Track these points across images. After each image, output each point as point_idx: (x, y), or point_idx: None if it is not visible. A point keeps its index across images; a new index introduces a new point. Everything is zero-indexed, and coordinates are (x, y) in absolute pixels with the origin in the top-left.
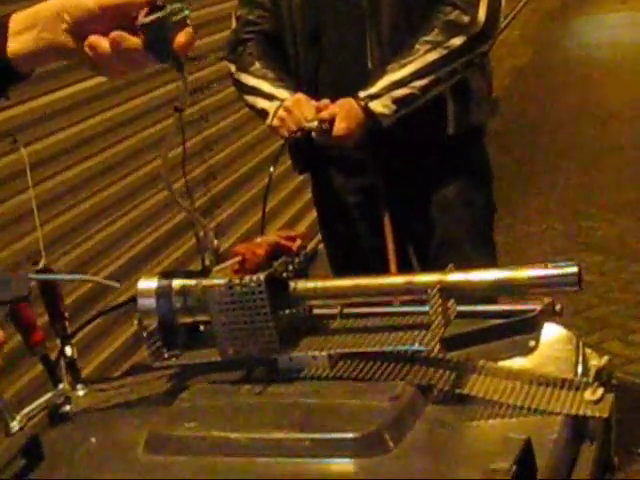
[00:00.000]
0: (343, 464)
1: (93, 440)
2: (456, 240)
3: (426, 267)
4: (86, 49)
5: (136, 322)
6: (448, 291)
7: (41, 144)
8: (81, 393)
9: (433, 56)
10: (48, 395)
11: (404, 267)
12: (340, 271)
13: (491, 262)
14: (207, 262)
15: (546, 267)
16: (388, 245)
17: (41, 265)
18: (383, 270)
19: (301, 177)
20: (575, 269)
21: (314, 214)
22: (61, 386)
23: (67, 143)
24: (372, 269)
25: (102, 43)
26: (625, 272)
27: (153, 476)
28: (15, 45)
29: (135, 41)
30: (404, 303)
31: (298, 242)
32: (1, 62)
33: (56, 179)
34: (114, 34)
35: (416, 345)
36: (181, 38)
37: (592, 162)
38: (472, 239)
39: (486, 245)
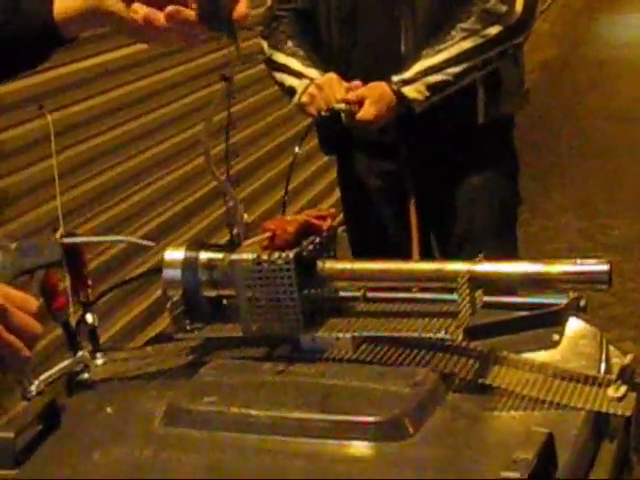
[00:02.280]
0: (362, 447)
1: (110, 410)
2: (479, 230)
3: (447, 255)
4: (138, 19)
5: (160, 292)
6: (477, 281)
7: (67, 111)
8: (100, 362)
9: (468, 44)
10: (67, 362)
11: (425, 253)
12: (360, 254)
13: (513, 254)
14: (235, 235)
15: (576, 263)
16: (412, 231)
17: (59, 233)
18: (404, 255)
19: (325, 157)
20: (606, 267)
21: (336, 195)
22: (80, 354)
23: (93, 112)
24: (393, 253)
25: (159, 17)
26: None
27: (169, 449)
28: (61, 9)
29: (190, 13)
30: (423, 290)
31: (328, 222)
32: (47, 26)
33: (80, 147)
34: (170, 9)
35: (442, 333)
36: (241, 8)
37: (615, 161)
38: (495, 230)
39: (509, 237)
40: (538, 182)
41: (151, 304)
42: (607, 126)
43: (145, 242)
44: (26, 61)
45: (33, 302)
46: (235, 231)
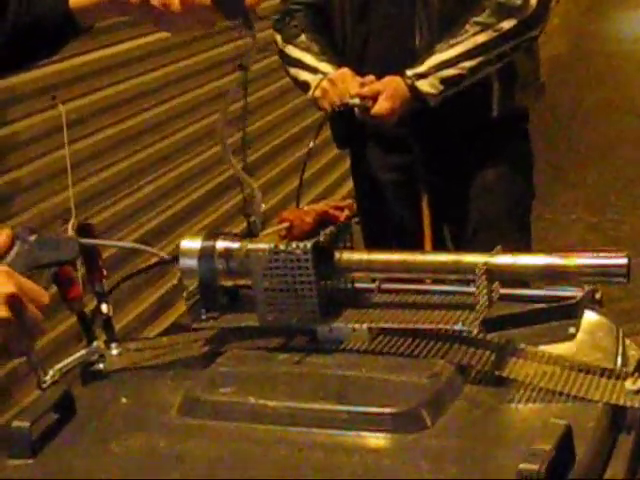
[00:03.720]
0: (379, 439)
1: (125, 399)
2: (492, 224)
3: (460, 248)
4: (156, 4)
5: (173, 281)
6: (494, 273)
7: (80, 102)
8: (115, 352)
9: (483, 38)
10: (82, 352)
11: (438, 247)
12: (373, 246)
13: (526, 248)
14: (252, 224)
15: (594, 256)
16: (425, 224)
17: (71, 223)
18: (416, 248)
19: None
20: (625, 260)
21: (349, 186)
22: (95, 343)
23: (106, 102)
24: (406, 246)
25: (174, 1)
26: None
27: (186, 439)
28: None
29: None
30: (436, 282)
31: (346, 212)
32: (63, 15)
33: (93, 138)
34: None
35: (459, 325)
36: None
37: (625, 155)
38: (509, 224)
39: (522, 231)
40: (548, 176)
41: (164, 294)
42: (617, 121)
43: (158, 252)
44: (43, 49)
45: (45, 295)
46: (252, 219)
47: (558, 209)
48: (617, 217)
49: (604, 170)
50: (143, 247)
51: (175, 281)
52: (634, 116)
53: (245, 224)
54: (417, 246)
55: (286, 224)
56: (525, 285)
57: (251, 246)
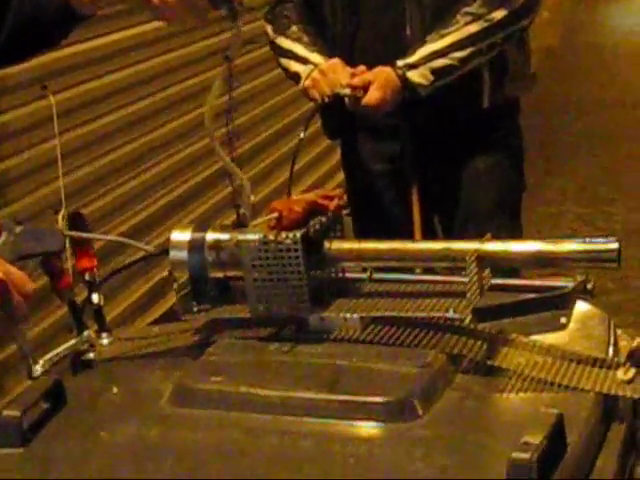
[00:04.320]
0: (370, 428)
1: (116, 389)
2: (483, 214)
3: (450, 239)
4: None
5: (163, 273)
6: (485, 260)
7: (70, 93)
8: (106, 341)
9: (473, 28)
10: (72, 341)
11: (428, 237)
12: (364, 237)
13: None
14: (242, 215)
15: (585, 242)
16: (414, 214)
17: (62, 214)
18: (407, 239)
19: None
20: (615, 245)
21: (340, 177)
22: (86, 333)
23: (96, 93)
24: (396, 237)
25: None
26: None
27: (176, 428)
28: None
29: None
30: (427, 271)
31: (335, 202)
32: (63, 6)
33: (83, 129)
34: None
35: (450, 313)
36: None
37: (616, 147)
38: (499, 214)
39: (513, 222)
40: (539, 168)
41: (155, 284)
42: (609, 113)
43: (144, 247)
44: (44, 41)
45: (30, 283)
46: (242, 211)
47: (548, 201)
48: (608, 209)
49: (595, 162)
50: (129, 241)
51: (165, 272)
52: (625, 108)
53: (235, 216)
54: (407, 236)
55: (275, 214)
56: (516, 275)
57: (241, 237)
